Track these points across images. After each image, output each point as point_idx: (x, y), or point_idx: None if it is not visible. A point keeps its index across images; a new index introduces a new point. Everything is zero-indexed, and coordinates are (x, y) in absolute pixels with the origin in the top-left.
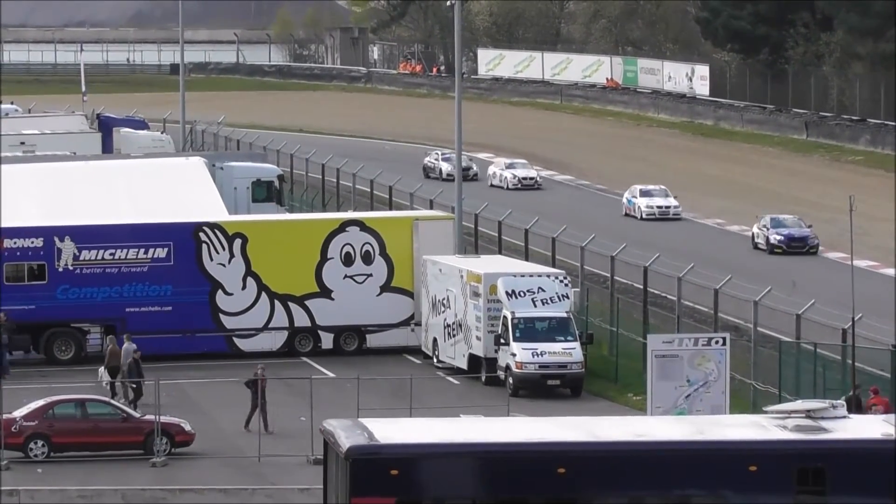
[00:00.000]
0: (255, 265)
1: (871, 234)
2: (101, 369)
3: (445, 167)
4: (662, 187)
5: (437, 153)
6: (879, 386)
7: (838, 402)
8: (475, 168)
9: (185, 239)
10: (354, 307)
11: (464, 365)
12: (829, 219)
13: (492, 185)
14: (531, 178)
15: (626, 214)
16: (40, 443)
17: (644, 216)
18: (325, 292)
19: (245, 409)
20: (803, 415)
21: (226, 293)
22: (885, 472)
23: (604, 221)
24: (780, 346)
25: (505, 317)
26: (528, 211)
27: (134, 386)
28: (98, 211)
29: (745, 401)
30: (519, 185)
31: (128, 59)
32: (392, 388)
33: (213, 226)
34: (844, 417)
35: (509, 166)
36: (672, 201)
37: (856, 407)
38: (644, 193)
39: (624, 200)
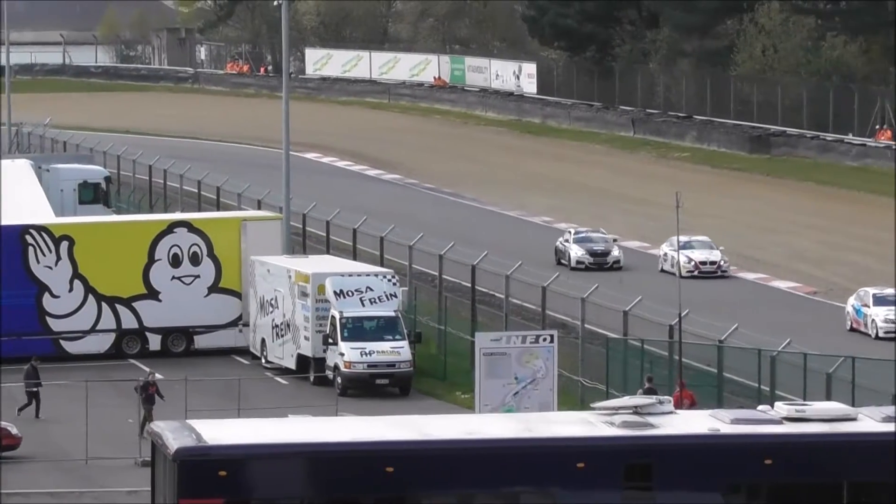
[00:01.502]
0: (83, 267)
1: (698, 231)
2: None
3: (575, 251)
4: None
5: (570, 231)
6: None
7: (665, 397)
8: (617, 252)
9: (12, 241)
10: (182, 308)
11: (292, 365)
12: (656, 215)
13: (663, 271)
14: (712, 263)
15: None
16: None
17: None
18: (152, 294)
19: (68, 412)
20: (631, 411)
21: (53, 296)
22: (711, 467)
23: (432, 220)
24: (607, 342)
25: (333, 316)
26: (358, 210)
27: None
28: None
29: (573, 397)
30: (695, 272)
31: None
32: (220, 390)
33: (40, 228)
34: (671, 413)
35: (684, 246)
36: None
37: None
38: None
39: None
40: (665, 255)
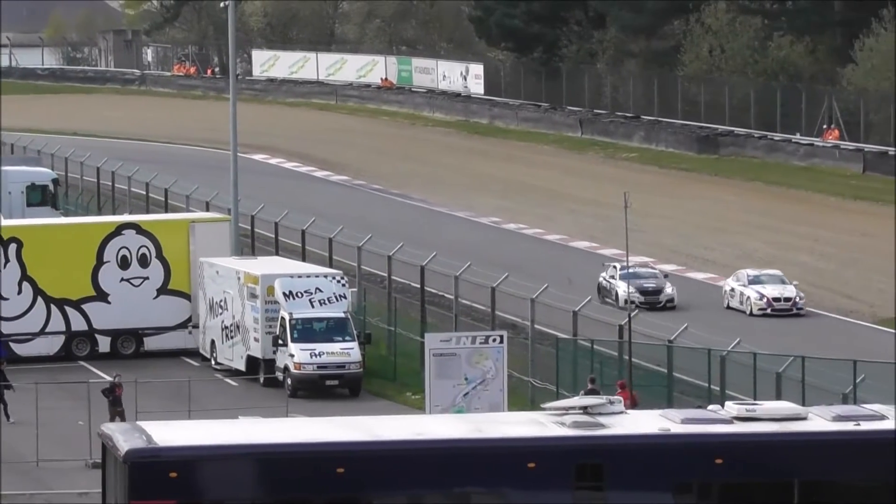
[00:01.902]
0: (31, 269)
1: (646, 231)
2: None
3: (623, 289)
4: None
5: (614, 267)
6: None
7: (615, 397)
8: (670, 289)
9: None
10: (131, 310)
11: (242, 367)
12: (604, 215)
13: (729, 307)
14: (787, 299)
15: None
16: None
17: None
18: (101, 296)
19: (18, 415)
20: (581, 411)
21: (1, 298)
22: (662, 467)
23: (381, 221)
24: (557, 343)
25: (283, 318)
26: (306, 211)
27: None
28: None
29: (523, 398)
30: (768, 310)
31: None
32: (170, 391)
33: None
34: (622, 413)
35: (754, 280)
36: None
37: None
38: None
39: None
40: (732, 290)
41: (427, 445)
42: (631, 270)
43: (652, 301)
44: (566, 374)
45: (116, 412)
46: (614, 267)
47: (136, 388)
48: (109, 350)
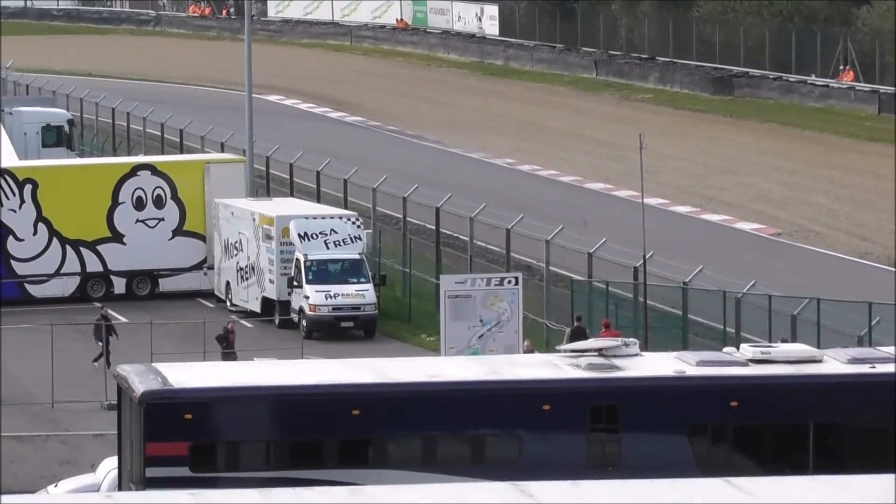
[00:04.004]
0: (46, 211)
1: (661, 172)
2: None
3: None
4: None
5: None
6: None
7: (630, 339)
8: None
9: None
10: (147, 251)
11: (257, 308)
12: (619, 157)
13: None
14: None
15: None
16: None
17: None
18: (116, 237)
19: (33, 356)
20: (596, 353)
21: (17, 239)
22: (677, 409)
23: (395, 162)
24: (571, 284)
25: (298, 259)
26: (321, 152)
27: None
28: None
29: (538, 340)
30: None
31: None
32: (185, 333)
33: (3, 171)
34: (637, 355)
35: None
36: None
37: (582, 339)
38: None
39: None
40: None
41: (442, 387)
42: None
43: None
44: (578, 315)
45: (229, 357)
46: None
47: (150, 329)
48: (125, 291)
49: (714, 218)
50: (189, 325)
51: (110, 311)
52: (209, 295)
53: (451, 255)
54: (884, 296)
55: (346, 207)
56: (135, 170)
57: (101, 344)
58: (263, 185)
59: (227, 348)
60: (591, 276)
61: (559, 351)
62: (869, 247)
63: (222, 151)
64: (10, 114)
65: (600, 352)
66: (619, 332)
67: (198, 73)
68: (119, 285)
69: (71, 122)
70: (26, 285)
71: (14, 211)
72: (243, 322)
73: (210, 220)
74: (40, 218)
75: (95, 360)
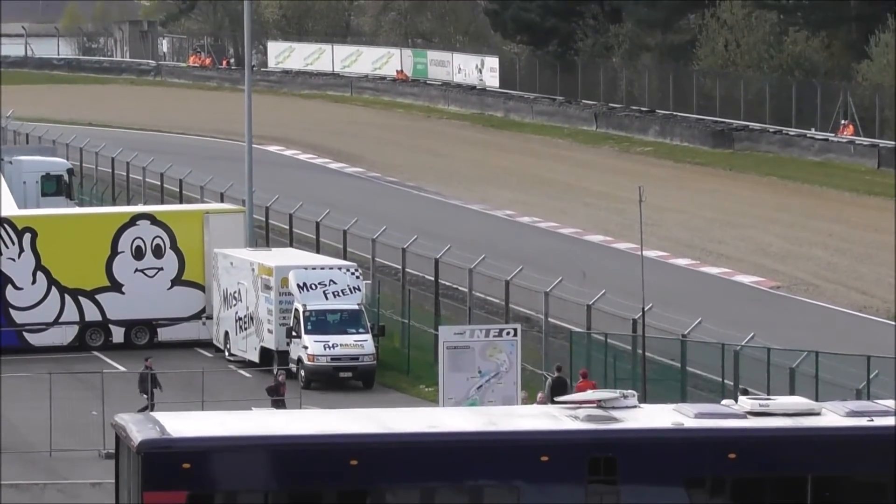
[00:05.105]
0: (46, 259)
1: (661, 225)
2: None
3: None
4: None
5: None
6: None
7: (629, 391)
8: None
9: None
10: (145, 301)
11: (255, 358)
12: (619, 209)
13: None
14: None
15: None
16: None
17: None
18: (115, 286)
19: (31, 404)
20: (595, 405)
21: (16, 288)
22: (675, 461)
23: (395, 213)
24: (570, 336)
25: (297, 309)
26: (320, 203)
27: None
28: None
29: (536, 391)
30: None
31: None
32: (184, 382)
33: (3, 220)
34: (635, 407)
35: None
36: None
37: (562, 389)
38: None
39: None
40: None
41: (440, 438)
42: None
43: None
44: (580, 368)
45: (279, 406)
46: None
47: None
48: (123, 341)
49: (713, 271)
50: (187, 374)
51: (150, 364)
52: (207, 345)
53: (450, 306)
54: (883, 349)
55: (345, 258)
56: (134, 219)
57: (145, 396)
58: (263, 236)
59: (277, 397)
60: (590, 327)
61: (557, 402)
62: (868, 300)
63: (222, 201)
64: (10, 163)
65: (599, 403)
66: (595, 383)
67: (198, 124)
68: (118, 334)
69: (70, 172)
70: (25, 334)
71: (13, 260)
72: (241, 372)
73: (209, 270)
74: (39, 267)
75: (140, 411)
